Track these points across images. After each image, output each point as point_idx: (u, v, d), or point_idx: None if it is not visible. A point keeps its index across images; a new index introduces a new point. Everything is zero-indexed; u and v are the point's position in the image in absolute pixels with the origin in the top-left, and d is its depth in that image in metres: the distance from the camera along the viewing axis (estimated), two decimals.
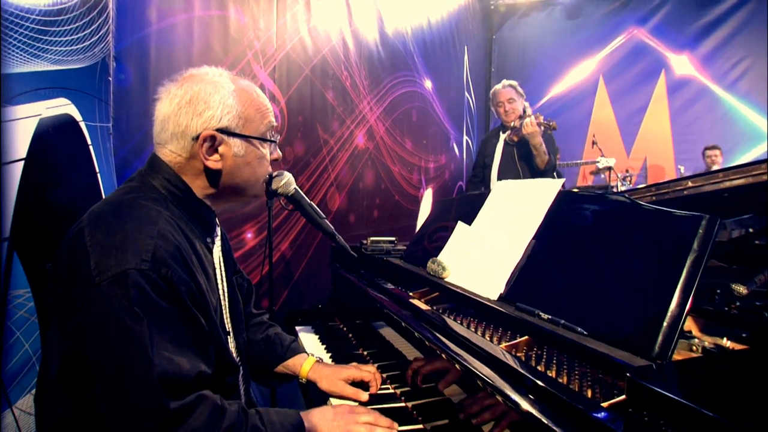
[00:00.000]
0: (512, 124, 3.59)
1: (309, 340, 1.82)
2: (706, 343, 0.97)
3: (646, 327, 0.86)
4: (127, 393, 0.87)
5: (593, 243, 1.11)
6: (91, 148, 1.62)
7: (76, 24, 1.55)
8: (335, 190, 3.47)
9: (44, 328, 1.32)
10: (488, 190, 3.67)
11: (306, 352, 1.46)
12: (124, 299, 0.86)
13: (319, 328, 1.92)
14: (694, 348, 0.97)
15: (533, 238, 1.29)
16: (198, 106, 1.05)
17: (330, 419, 1.10)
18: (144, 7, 1.94)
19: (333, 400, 1.30)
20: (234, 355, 1.21)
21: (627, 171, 5.77)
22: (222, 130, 1.06)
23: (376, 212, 4.07)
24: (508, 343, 1.15)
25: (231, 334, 1.23)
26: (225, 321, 1.20)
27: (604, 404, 0.83)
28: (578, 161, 5.60)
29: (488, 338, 1.18)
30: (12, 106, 1.27)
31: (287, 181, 1.30)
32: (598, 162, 4.80)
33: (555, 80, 6.53)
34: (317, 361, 1.42)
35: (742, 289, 1.18)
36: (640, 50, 6.26)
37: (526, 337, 1.07)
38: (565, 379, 0.94)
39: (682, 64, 6.14)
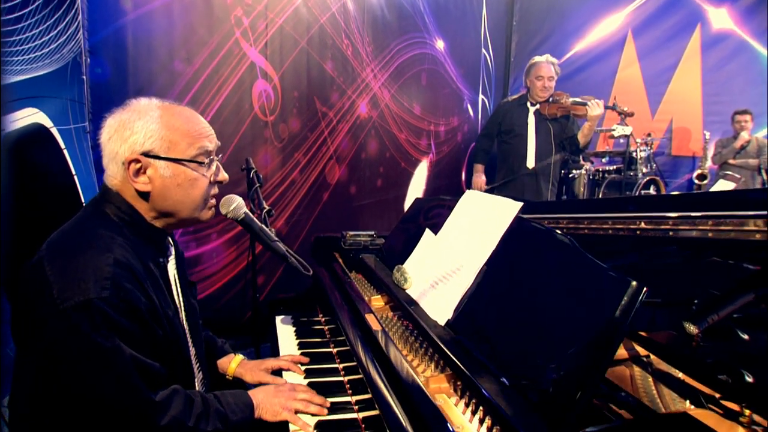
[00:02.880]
0: (550, 99, 3.68)
1: (285, 332, 1.87)
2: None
3: (559, 394, 0.87)
4: (115, 397, 0.98)
5: (533, 284, 1.09)
6: (65, 151, 1.65)
7: (40, 28, 1.53)
8: (335, 162, 3.46)
9: None
10: (518, 162, 3.70)
11: (233, 352, 1.61)
12: (90, 323, 0.95)
13: (298, 320, 1.97)
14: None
15: (485, 264, 1.28)
16: (124, 132, 1.11)
17: (272, 395, 1.26)
18: None
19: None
20: (193, 361, 1.30)
21: (649, 135, 5.51)
22: (147, 154, 1.11)
23: (380, 181, 4.05)
24: (448, 373, 1.18)
25: (191, 342, 1.30)
26: (185, 331, 1.27)
27: None
28: (595, 129, 5.35)
29: (434, 363, 1.21)
30: None
31: (237, 205, 1.32)
32: (613, 130, 4.58)
33: (580, 35, 6.12)
34: (243, 359, 1.56)
35: (693, 329, 1.16)
36: (675, 1, 5.78)
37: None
38: (491, 422, 0.96)
39: (720, 17, 5.66)
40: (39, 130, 1.53)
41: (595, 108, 3.43)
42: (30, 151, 1.47)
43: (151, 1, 2.03)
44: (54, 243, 1.08)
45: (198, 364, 1.33)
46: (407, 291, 1.53)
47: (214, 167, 1.22)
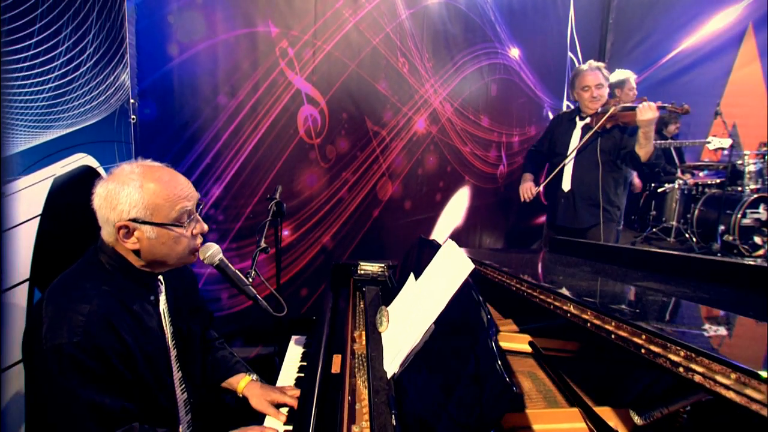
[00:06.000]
0: (599, 110, 3.21)
1: (293, 354, 2.01)
2: None
3: None
4: (68, 427, 1.17)
5: (452, 355, 1.09)
6: None
7: (90, 86, 1.81)
8: (387, 179, 3.54)
9: None
10: (555, 182, 3.45)
11: (244, 372, 1.73)
12: (58, 363, 1.16)
13: (309, 343, 2.11)
14: None
15: (434, 323, 1.29)
16: (112, 202, 1.28)
17: None
18: (164, 44, 2.16)
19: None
20: (176, 384, 1.47)
21: (764, 145, 4.80)
22: (133, 220, 1.28)
23: (439, 195, 4.05)
24: None
25: (176, 366, 1.48)
26: (171, 365, 1.45)
27: None
28: (685, 141, 4.77)
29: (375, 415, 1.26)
30: (23, 176, 1.60)
31: (212, 252, 1.47)
32: (708, 143, 4.07)
33: (687, 32, 5.46)
34: (252, 380, 1.68)
35: (637, 420, 1.08)
36: None
37: None
38: None
39: None
40: (85, 171, 1.81)
41: (645, 111, 2.78)
42: (77, 190, 1.76)
43: (195, 44, 2.27)
44: (53, 287, 1.29)
45: (183, 386, 1.50)
46: (382, 334, 1.58)
47: (194, 223, 1.38)
